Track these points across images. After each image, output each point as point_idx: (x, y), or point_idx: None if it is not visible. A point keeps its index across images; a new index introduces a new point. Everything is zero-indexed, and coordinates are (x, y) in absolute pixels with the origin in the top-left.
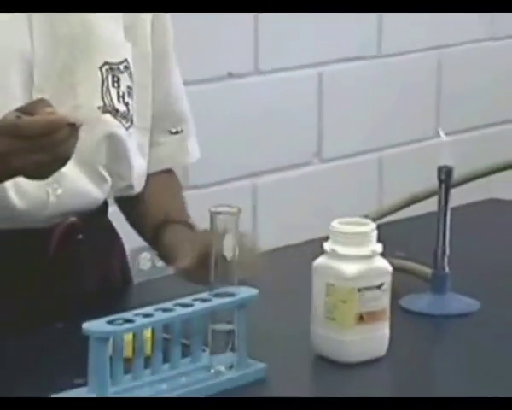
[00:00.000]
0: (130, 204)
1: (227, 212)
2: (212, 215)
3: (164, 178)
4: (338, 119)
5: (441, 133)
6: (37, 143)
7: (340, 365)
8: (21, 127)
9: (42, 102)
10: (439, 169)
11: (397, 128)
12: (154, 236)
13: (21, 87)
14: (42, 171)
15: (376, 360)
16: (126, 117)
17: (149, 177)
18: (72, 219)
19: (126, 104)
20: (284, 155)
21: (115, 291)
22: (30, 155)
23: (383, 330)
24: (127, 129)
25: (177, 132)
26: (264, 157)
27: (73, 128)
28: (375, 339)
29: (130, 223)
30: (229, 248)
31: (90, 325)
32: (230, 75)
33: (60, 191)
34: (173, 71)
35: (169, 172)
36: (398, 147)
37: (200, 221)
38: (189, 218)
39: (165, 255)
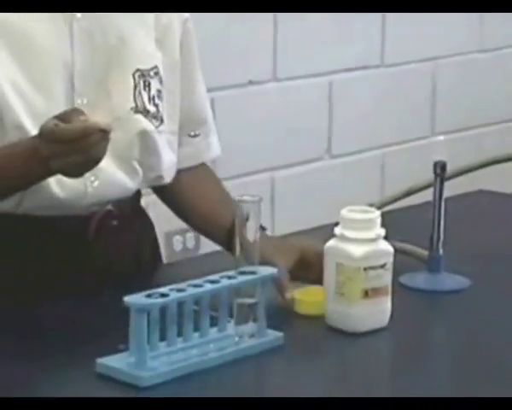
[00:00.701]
0: (177, 198)
1: (250, 200)
2: (238, 203)
3: (206, 175)
4: (346, 120)
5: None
6: (72, 147)
7: (348, 334)
8: (59, 133)
9: (76, 111)
10: (435, 164)
11: (397, 128)
12: (229, 236)
13: (63, 91)
14: (77, 170)
15: (379, 330)
16: (156, 117)
17: (184, 172)
18: (109, 207)
19: (156, 105)
20: (298, 151)
21: (148, 270)
22: (67, 158)
23: (385, 303)
24: (157, 127)
25: (195, 136)
26: (281, 153)
27: (104, 133)
28: (379, 312)
29: (180, 215)
30: (251, 231)
31: (130, 298)
32: (251, 82)
33: (96, 183)
34: (198, 80)
35: (204, 166)
36: (398, 145)
37: None
38: None
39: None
